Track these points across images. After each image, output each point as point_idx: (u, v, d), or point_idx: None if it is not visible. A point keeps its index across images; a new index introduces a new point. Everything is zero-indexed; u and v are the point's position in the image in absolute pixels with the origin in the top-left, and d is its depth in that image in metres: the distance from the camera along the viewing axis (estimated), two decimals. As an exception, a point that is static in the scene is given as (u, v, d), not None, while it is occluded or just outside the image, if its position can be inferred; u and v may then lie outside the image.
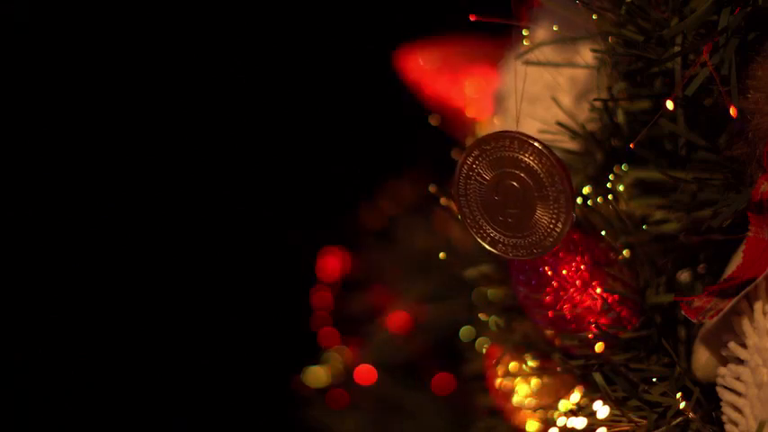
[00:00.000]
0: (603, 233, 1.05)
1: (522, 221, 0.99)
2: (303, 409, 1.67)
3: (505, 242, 1.00)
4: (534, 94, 1.19)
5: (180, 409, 2.02)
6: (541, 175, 0.97)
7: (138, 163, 2.04)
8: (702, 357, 1.03)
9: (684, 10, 0.99)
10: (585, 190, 1.08)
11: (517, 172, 0.98)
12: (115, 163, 2.04)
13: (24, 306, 2.02)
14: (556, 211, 0.97)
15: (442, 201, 1.17)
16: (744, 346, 0.97)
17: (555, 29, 1.13)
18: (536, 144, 0.96)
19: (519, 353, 1.13)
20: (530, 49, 1.09)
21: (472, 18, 1.07)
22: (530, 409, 1.15)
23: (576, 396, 1.07)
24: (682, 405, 1.01)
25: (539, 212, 0.98)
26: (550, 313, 1.06)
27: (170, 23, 2.02)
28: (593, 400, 1.05)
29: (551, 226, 0.98)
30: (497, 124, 1.36)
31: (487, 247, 1.01)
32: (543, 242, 0.99)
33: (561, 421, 1.06)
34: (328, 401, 1.67)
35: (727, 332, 0.99)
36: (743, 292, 0.95)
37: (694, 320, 0.98)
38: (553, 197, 0.97)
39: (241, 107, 2.05)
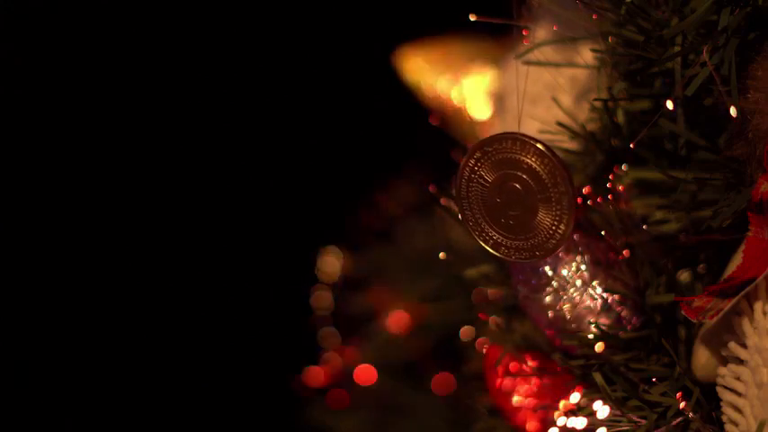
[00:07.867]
0: (603, 233, 1.05)
1: (525, 223, 0.98)
2: (303, 409, 1.67)
3: (508, 245, 1.00)
4: (534, 93, 1.19)
5: (180, 409, 2.02)
6: (543, 177, 0.97)
7: (138, 163, 2.04)
8: (702, 357, 1.03)
9: (684, 10, 0.99)
10: (585, 190, 1.08)
11: (519, 173, 0.97)
12: (114, 163, 2.04)
13: (24, 306, 2.02)
14: (558, 212, 0.97)
15: (443, 201, 1.17)
16: (744, 346, 0.97)
17: (555, 29, 1.13)
18: (538, 145, 0.96)
19: (519, 353, 1.13)
20: (530, 49, 1.09)
21: (472, 18, 1.07)
22: (530, 409, 1.15)
23: (575, 396, 1.07)
24: (682, 405, 1.01)
25: (541, 214, 0.98)
26: (550, 313, 1.06)
27: (169, 23, 2.02)
28: (593, 400, 1.05)
29: (554, 228, 0.98)
30: (497, 124, 1.35)
31: (490, 250, 1.00)
32: (546, 244, 0.98)
33: (561, 421, 1.06)
34: (328, 401, 1.67)
35: (727, 332, 0.99)
36: (743, 292, 0.95)
37: (694, 320, 0.98)
38: (555, 199, 0.97)
39: (242, 107, 2.05)
